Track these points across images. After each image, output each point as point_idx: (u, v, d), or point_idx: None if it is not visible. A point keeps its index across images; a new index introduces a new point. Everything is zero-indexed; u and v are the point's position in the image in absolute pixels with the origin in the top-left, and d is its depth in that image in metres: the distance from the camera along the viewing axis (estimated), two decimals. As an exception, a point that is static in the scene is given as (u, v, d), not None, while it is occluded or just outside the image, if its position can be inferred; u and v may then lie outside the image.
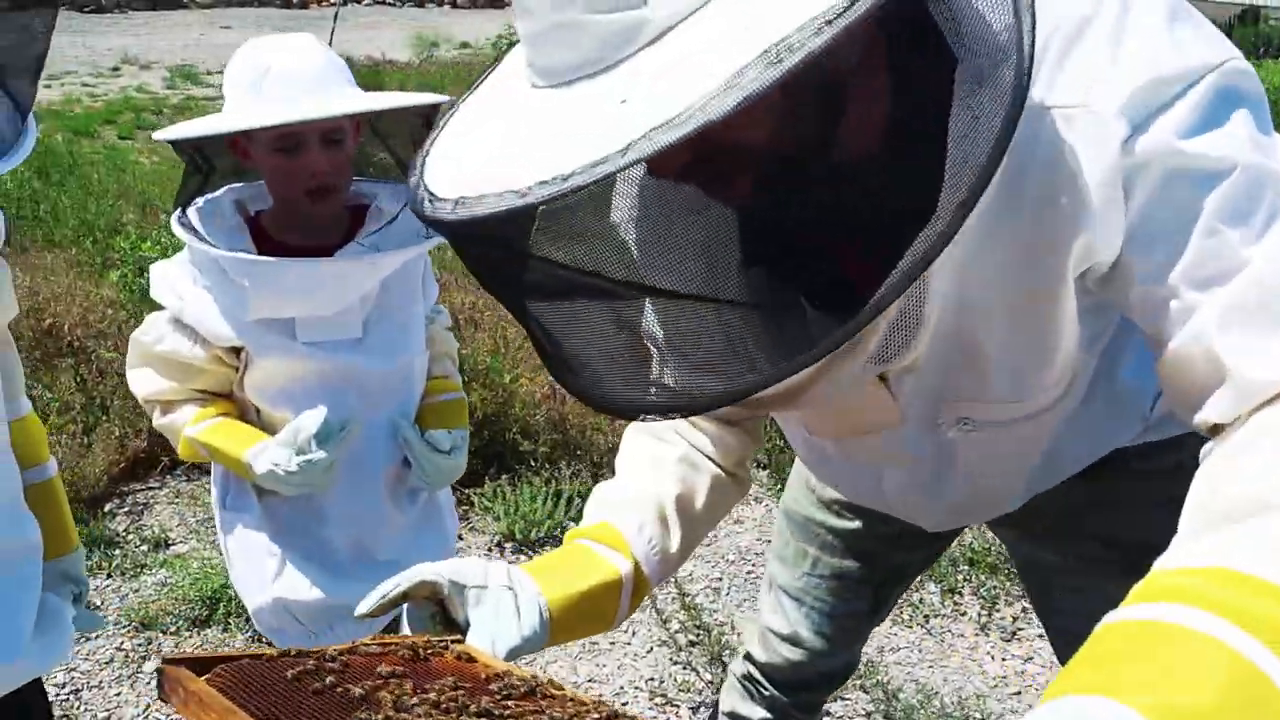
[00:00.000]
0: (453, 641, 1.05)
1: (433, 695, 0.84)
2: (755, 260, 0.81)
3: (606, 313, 0.83)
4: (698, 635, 3.22)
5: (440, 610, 1.13)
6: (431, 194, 0.82)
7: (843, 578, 1.78)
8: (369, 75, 16.76)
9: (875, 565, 1.76)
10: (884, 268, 0.74)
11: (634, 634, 3.23)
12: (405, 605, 1.12)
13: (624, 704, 2.94)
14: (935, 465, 1.30)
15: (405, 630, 1.12)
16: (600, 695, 0.99)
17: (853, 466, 1.46)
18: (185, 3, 26.48)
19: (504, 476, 3.85)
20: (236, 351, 1.76)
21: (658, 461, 1.39)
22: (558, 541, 3.63)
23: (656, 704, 2.93)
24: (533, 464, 3.90)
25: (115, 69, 17.51)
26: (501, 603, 1.11)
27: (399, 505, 1.88)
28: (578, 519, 4.13)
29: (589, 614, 1.20)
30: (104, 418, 3.96)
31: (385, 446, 1.81)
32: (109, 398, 4.03)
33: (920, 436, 1.25)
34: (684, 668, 3.08)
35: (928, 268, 0.74)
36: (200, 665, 0.89)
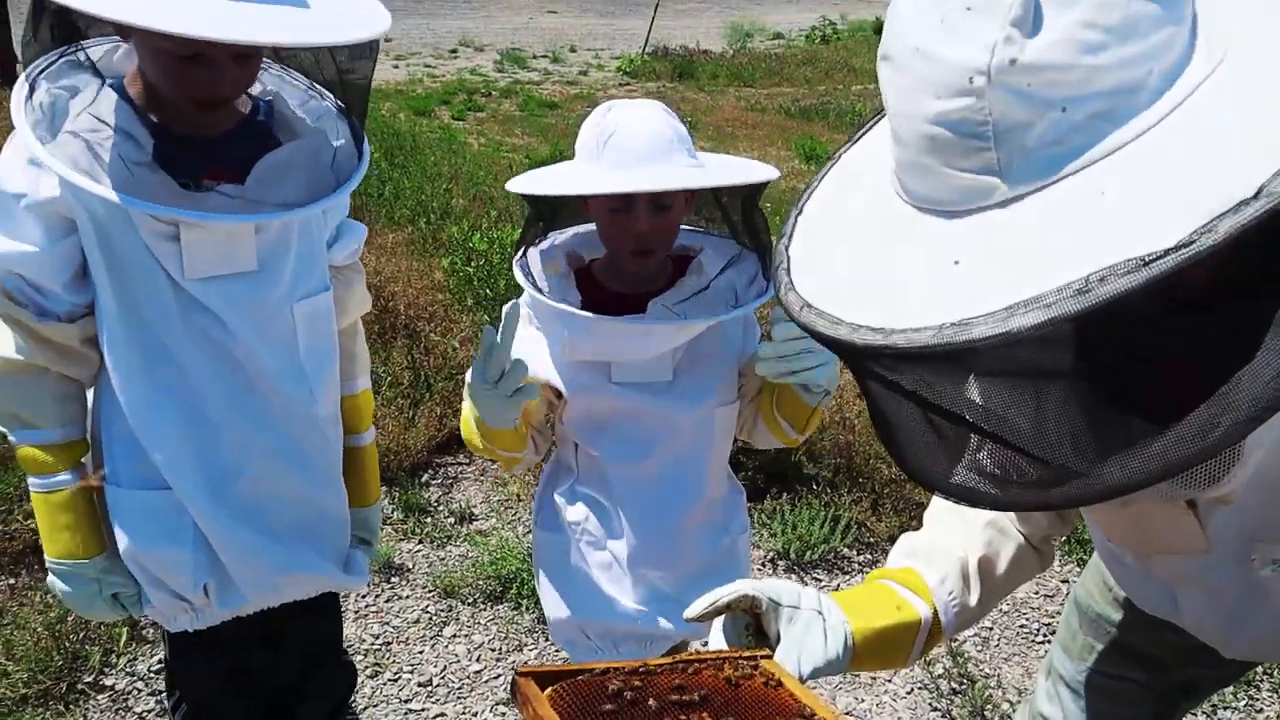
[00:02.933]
0: (762, 657, 1.15)
1: None
2: (1080, 401, 0.83)
3: (929, 417, 0.87)
4: (961, 684, 3.18)
5: (754, 622, 1.25)
6: (805, 301, 0.88)
7: (1125, 680, 1.74)
8: (683, 65, 17.37)
9: (1162, 675, 1.71)
10: (1221, 411, 0.72)
11: (896, 672, 3.22)
12: (723, 616, 1.24)
13: (880, 744, 2.96)
14: (1238, 600, 1.27)
15: (716, 636, 1.24)
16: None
17: (1148, 579, 1.44)
18: (518, -15, 28.30)
19: (785, 496, 3.93)
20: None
21: (967, 521, 1.45)
22: (830, 565, 3.69)
23: (912, 748, 2.93)
24: (814, 487, 3.95)
25: (454, 51, 19.00)
26: (812, 624, 1.22)
27: (696, 549, 1.98)
28: (853, 545, 4.12)
29: (886, 649, 1.29)
30: (427, 395, 4.38)
31: (689, 488, 1.93)
32: (433, 377, 4.45)
33: (1227, 569, 1.23)
34: (943, 715, 3.06)
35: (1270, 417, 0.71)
36: (543, 679, 1.04)
